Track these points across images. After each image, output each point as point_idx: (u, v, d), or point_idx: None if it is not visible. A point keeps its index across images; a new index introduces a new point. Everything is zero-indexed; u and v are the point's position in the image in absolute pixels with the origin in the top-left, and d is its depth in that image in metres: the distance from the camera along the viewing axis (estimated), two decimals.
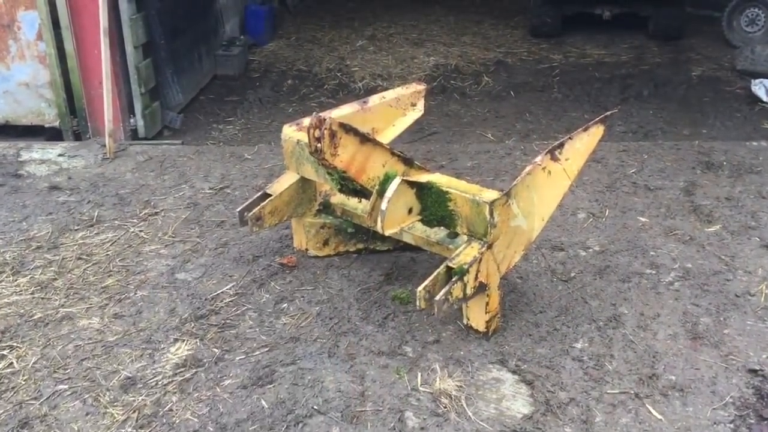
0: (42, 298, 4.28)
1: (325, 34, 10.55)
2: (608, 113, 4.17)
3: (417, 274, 4.35)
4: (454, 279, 3.52)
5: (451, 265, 3.56)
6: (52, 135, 6.69)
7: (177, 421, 3.35)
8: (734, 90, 7.84)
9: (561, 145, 3.86)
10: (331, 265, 4.51)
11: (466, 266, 3.53)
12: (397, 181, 3.64)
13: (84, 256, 4.69)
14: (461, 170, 5.75)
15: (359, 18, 11.27)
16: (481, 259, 3.59)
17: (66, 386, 3.58)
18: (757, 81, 7.55)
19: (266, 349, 3.80)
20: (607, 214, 5.04)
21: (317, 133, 3.59)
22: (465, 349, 3.76)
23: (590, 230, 4.84)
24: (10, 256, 4.69)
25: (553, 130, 7.03)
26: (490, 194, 3.61)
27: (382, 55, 9.54)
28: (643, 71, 8.52)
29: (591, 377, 3.56)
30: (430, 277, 3.53)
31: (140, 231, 4.98)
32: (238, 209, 4.30)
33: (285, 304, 4.17)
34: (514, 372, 3.60)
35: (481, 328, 3.81)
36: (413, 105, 4.80)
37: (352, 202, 4.38)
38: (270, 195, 4.32)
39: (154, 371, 3.66)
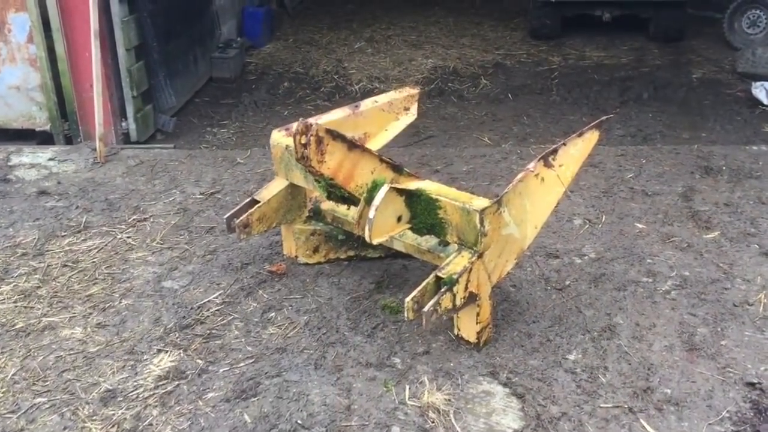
0: (25, 307, 4.19)
1: (323, 36, 10.46)
2: (603, 118, 4.07)
3: (408, 282, 4.26)
4: (443, 289, 3.43)
5: (440, 275, 3.47)
6: (44, 139, 6.61)
7: None
8: (735, 93, 7.74)
9: (554, 151, 3.76)
10: (321, 273, 4.42)
11: (455, 276, 3.44)
12: (385, 188, 3.55)
13: (70, 264, 4.60)
14: (456, 175, 5.65)
15: (358, 20, 11.18)
16: (471, 269, 3.49)
17: (45, 399, 3.49)
18: (758, 84, 7.46)
19: (251, 361, 3.71)
20: (603, 220, 4.94)
21: (303, 139, 3.50)
22: (455, 361, 3.66)
23: (586, 237, 4.74)
24: None
25: (550, 133, 6.93)
26: (481, 202, 3.51)
27: (380, 57, 9.46)
28: (643, 73, 8.42)
29: (584, 390, 3.46)
30: (419, 288, 3.43)
31: (128, 237, 4.89)
32: (226, 216, 4.21)
33: (272, 314, 4.08)
34: (505, 385, 3.51)
35: (472, 339, 3.72)
36: (406, 109, 4.71)
37: (343, 209, 4.29)
38: (258, 201, 4.23)
39: (135, 383, 3.57)
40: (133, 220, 5.11)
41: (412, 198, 3.64)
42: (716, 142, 6.54)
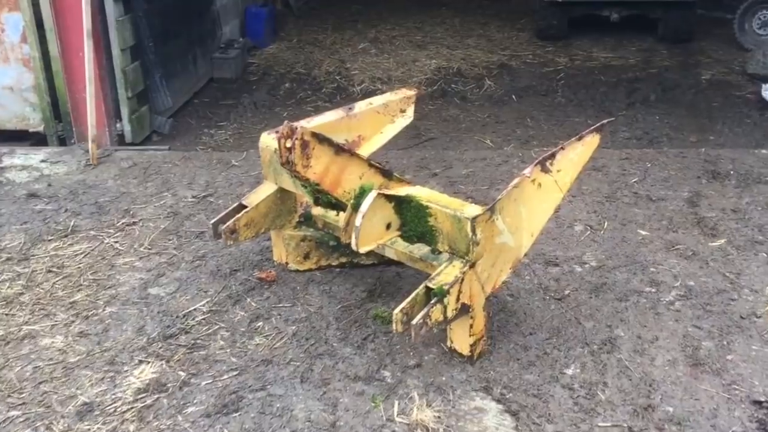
0: (6, 314, 4.06)
1: (328, 36, 10.33)
2: (605, 121, 3.90)
3: (402, 290, 4.10)
4: (433, 301, 3.27)
5: (430, 285, 3.31)
6: (38, 140, 6.50)
7: None
8: (744, 95, 7.56)
9: (552, 156, 3.60)
10: (312, 280, 4.27)
11: (446, 287, 3.28)
12: (373, 194, 3.39)
13: (54, 269, 4.47)
14: (455, 178, 5.50)
15: (363, 20, 11.04)
16: (463, 279, 3.33)
17: (19, 412, 3.35)
18: None
19: (235, 373, 3.56)
20: (605, 226, 4.77)
21: (288, 142, 3.35)
22: (447, 375, 3.50)
23: (587, 244, 4.58)
24: None
25: (554, 136, 6.77)
26: (473, 209, 3.35)
27: (383, 57, 9.31)
28: (651, 75, 8.25)
29: (581, 408, 3.30)
30: (408, 299, 3.28)
31: (116, 242, 4.76)
32: (212, 221, 4.07)
33: (260, 323, 3.94)
34: (498, 401, 3.34)
35: (465, 351, 3.56)
36: (402, 111, 4.55)
37: (334, 215, 4.14)
38: (246, 206, 4.09)
39: (114, 396, 3.43)
40: (122, 223, 4.98)
41: (402, 204, 3.48)
42: (724, 145, 6.37)
